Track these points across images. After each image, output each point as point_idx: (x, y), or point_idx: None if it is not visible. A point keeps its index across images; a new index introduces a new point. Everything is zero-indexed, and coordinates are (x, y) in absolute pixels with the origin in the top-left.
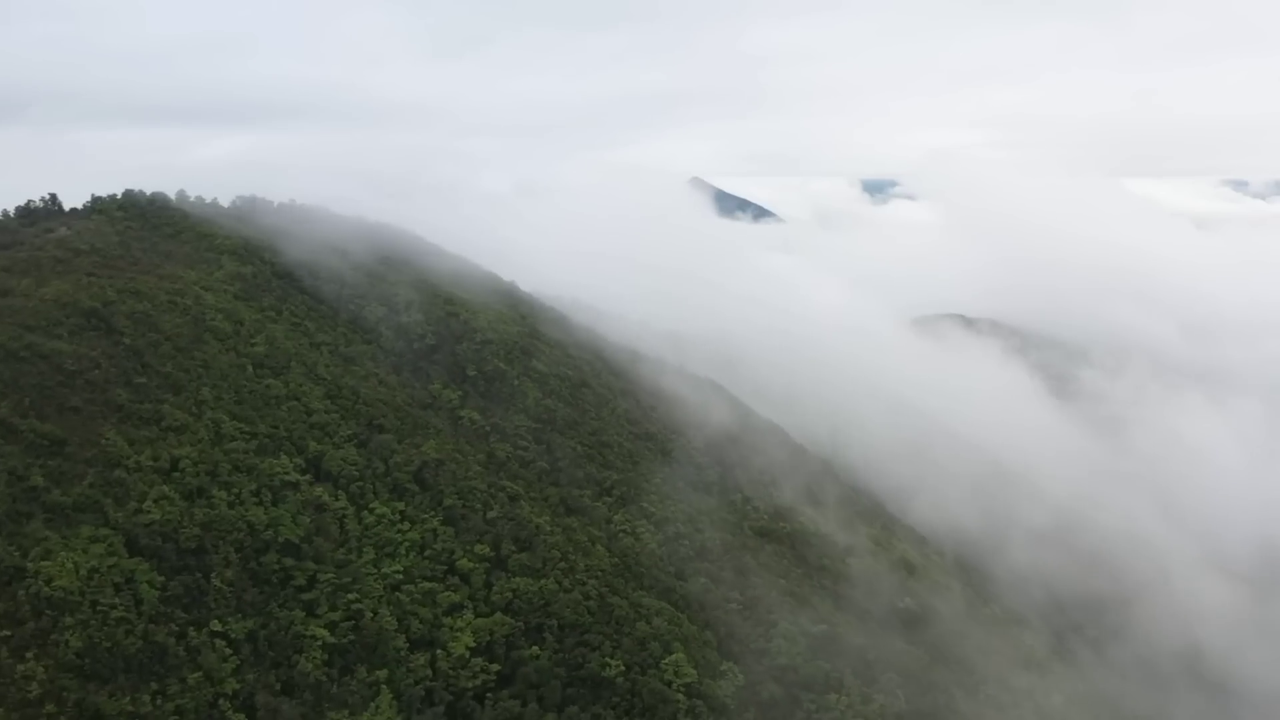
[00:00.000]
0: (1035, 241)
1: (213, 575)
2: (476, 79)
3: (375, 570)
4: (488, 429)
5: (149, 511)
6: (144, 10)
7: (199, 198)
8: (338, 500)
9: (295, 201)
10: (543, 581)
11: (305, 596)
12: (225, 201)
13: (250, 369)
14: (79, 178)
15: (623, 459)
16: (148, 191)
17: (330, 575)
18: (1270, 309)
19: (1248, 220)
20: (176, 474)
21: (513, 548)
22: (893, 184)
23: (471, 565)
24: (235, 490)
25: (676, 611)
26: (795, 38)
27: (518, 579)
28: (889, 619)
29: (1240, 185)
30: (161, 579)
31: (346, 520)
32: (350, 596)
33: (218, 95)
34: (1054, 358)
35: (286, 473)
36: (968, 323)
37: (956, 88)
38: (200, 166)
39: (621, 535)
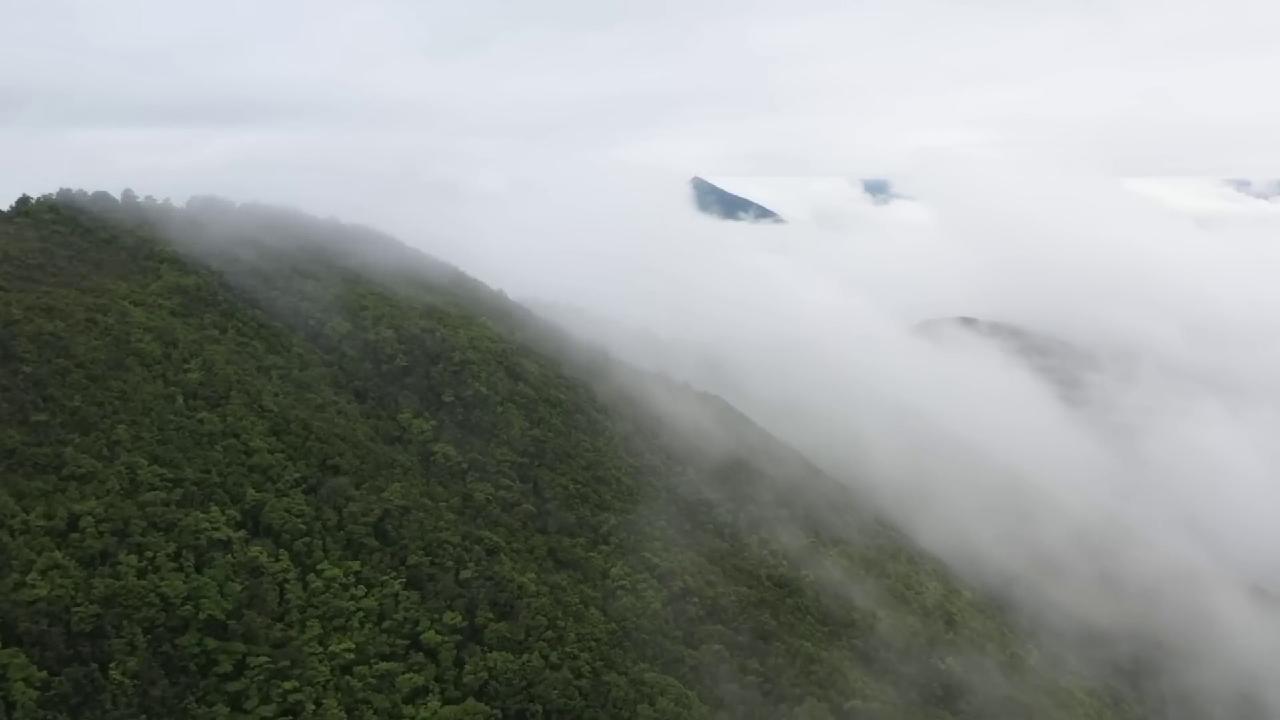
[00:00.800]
0: (1035, 241)
1: (112, 666)
2: (476, 78)
3: (321, 649)
4: (465, 466)
5: (34, 586)
6: (141, 9)
7: (149, 198)
8: (278, 561)
9: (259, 203)
10: (525, 657)
11: (231, 687)
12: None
13: (180, 400)
14: (66, 178)
15: (621, 498)
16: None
17: (264, 658)
18: (1276, 310)
19: (1250, 220)
20: (75, 535)
21: (490, 615)
22: (893, 184)
23: (440, 639)
24: (149, 554)
25: (685, 689)
26: (798, 37)
27: (495, 654)
28: (928, 685)
29: (1243, 185)
30: (44, 674)
31: (288, 586)
32: (288, 685)
33: (214, 95)
34: (1059, 362)
35: (216, 528)
36: (973, 325)
37: (959, 87)
38: (193, 168)
39: (620, 593)
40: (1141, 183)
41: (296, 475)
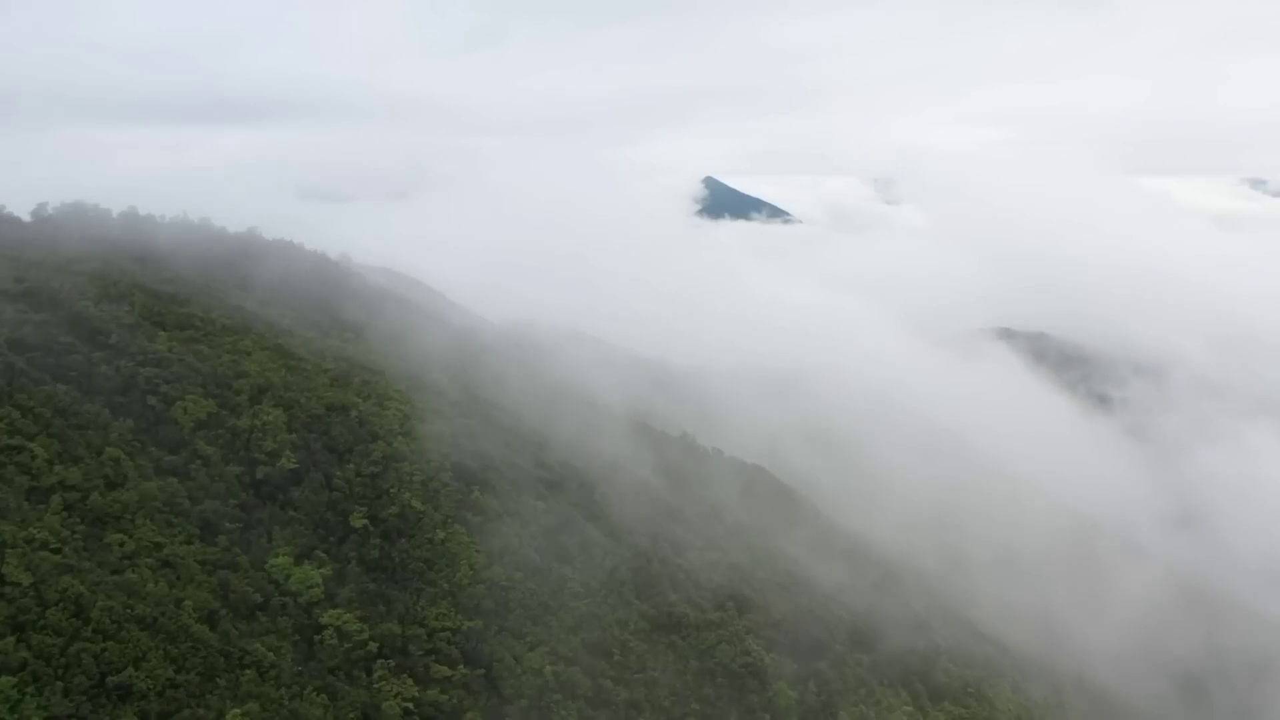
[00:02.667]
0: (1049, 243)
1: None
2: (491, 74)
3: None
4: (375, 649)
5: None
6: (144, 4)
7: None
8: None
9: (160, 214)
10: None
11: None
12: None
13: None
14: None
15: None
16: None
17: None
18: None
19: (1268, 219)
20: None
21: None
22: (905, 183)
23: None
24: None
25: None
26: (816, 36)
27: None
28: None
29: (1259, 184)
30: None
31: None
32: None
33: (223, 92)
34: (1086, 376)
35: None
36: (1009, 338)
37: (976, 86)
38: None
39: None
40: (1157, 181)
41: (64, 709)
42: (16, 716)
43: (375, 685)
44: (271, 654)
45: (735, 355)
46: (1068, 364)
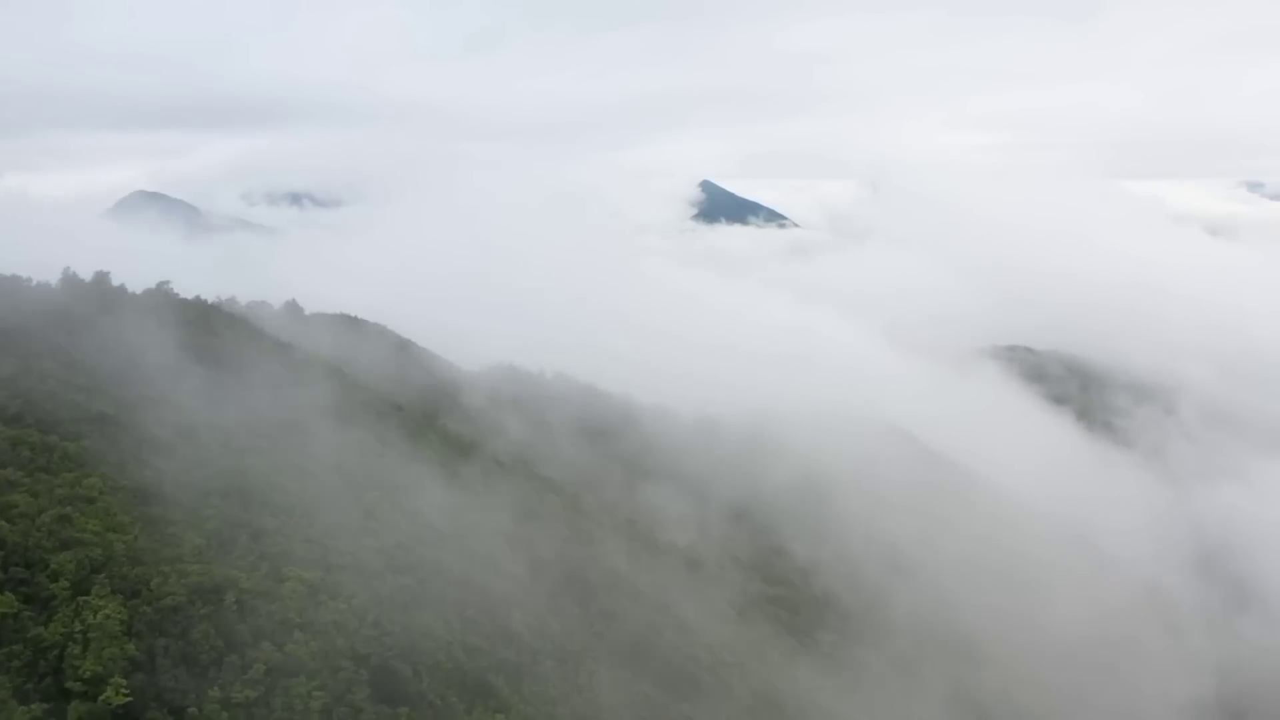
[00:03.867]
0: (1031, 254)
1: None
2: (489, 79)
3: None
4: None
5: None
6: (138, 9)
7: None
8: None
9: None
10: None
11: None
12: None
13: None
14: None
15: None
16: None
17: None
18: None
19: (1264, 221)
20: None
21: None
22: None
23: None
24: None
25: None
26: (818, 41)
27: None
28: None
29: (1256, 186)
30: None
31: None
32: None
33: (221, 97)
34: (1086, 397)
35: None
36: (1004, 356)
37: (977, 91)
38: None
39: None
40: (1154, 184)
41: None
42: None
43: None
44: None
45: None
46: (1064, 384)
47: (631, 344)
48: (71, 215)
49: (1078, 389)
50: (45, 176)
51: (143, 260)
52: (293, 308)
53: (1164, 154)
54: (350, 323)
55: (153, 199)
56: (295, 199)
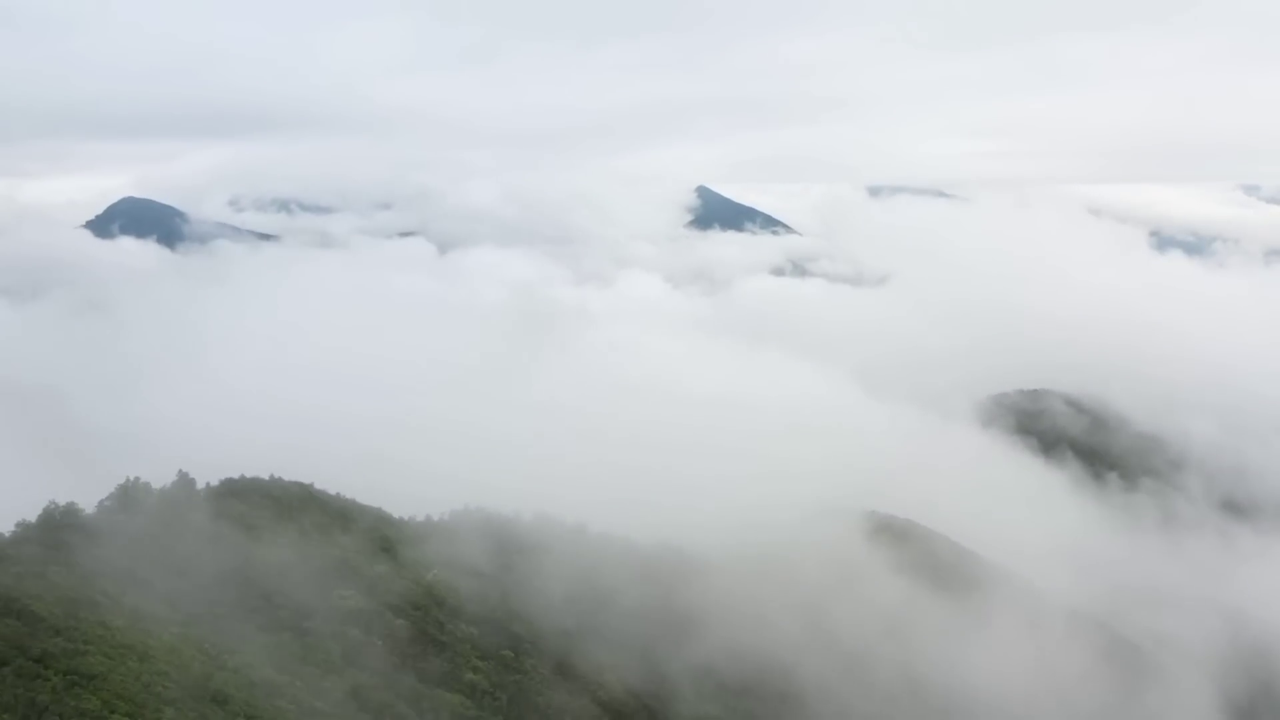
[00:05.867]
0: (1003, 292)
1: None
2: (488, 90)
3: None
4: None
5: None
6: (138, 21)
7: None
8: None
9: None
10: None
11: None
12: None
13: None
14: None
15: None
16: None
17: None
18: None
19: (1260, 223)
20: None
21: None
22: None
23: None
24: None
25: None
26: (821, 49)
27: None
28: None
29: (1252, 189)
30: None
31: None
32: None
33: (214, 107)
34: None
35: None
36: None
37: (974, 101)
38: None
39: None
40: (1150, 189)
41: None
42: None
43: None
44: None
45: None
46: (1060, 433)
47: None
48: (59, 221)
49: (1075, 437)
50: (36, 182)
51: (124, 268)
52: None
53: (1161, 160)
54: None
55: (142, 205)
56: (283, 205)
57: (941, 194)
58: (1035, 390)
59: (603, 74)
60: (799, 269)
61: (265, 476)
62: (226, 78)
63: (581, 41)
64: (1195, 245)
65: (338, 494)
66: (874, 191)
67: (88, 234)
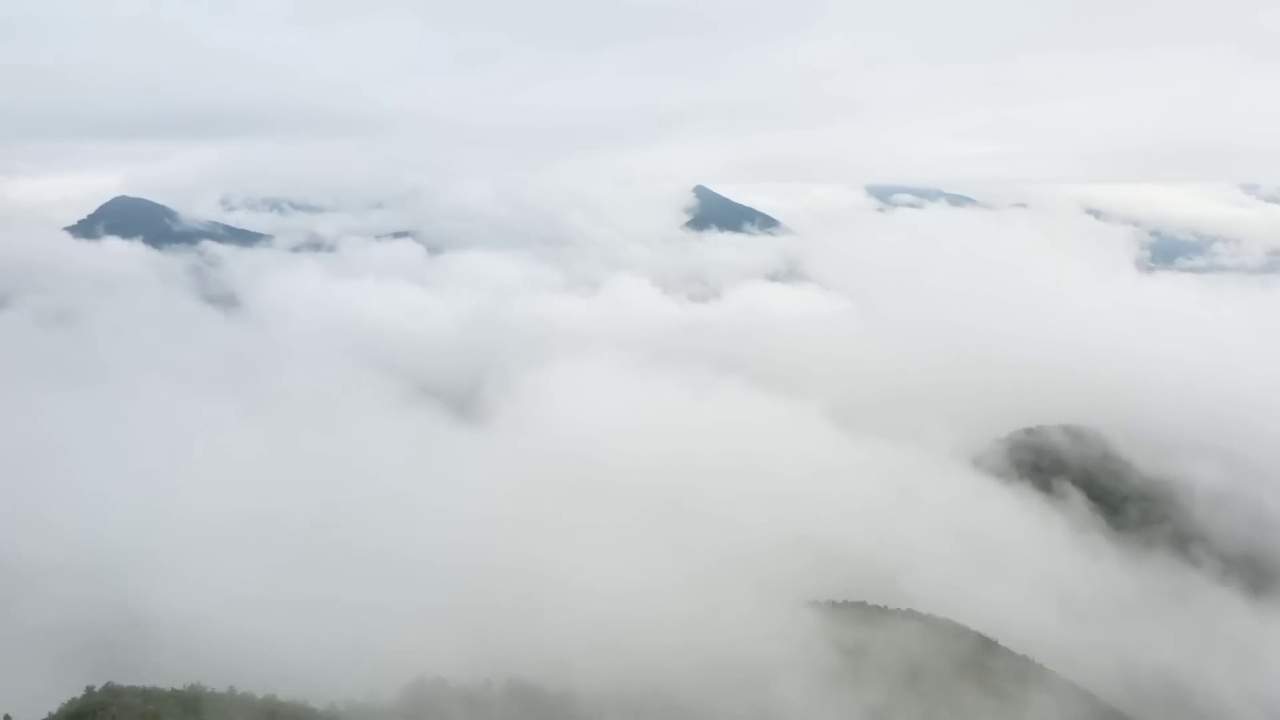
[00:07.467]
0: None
1: None
2: (488, 92)
3: None
4: None
5: None
6: (135, 21)
7: None
8: None
9: None
10: None
11: None
12: None
13: None
14: None
15: None
16: None
17: None
18: None
19: (1260, 223)
20: None
21: None
22: (897, 190)
23: None
24: None
25: None
26: (829, 56)
27: None
28: None
29: (1252, 188)
30: None
31: None
32: None
33: (213, 105)
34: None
35: None
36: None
37: (976, 104)
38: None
39: None
40: (1151, 189)
41: None
42: None
43: None
44: None
45: None
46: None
47: None
48: (49, 220)
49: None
50: (29, 181)
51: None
52: None
53: (1161, 160)
54: None
55: (133, 204)
56: (275, 204)
57: (941, 194)
58: (1032, 428)
59: (603, 78)
60: (793, 273)
61: None
62: (223, 78)
63: (583, 47)
64: (1195, 245)
65: None
66: (873, 191)
67: (68, 236)
